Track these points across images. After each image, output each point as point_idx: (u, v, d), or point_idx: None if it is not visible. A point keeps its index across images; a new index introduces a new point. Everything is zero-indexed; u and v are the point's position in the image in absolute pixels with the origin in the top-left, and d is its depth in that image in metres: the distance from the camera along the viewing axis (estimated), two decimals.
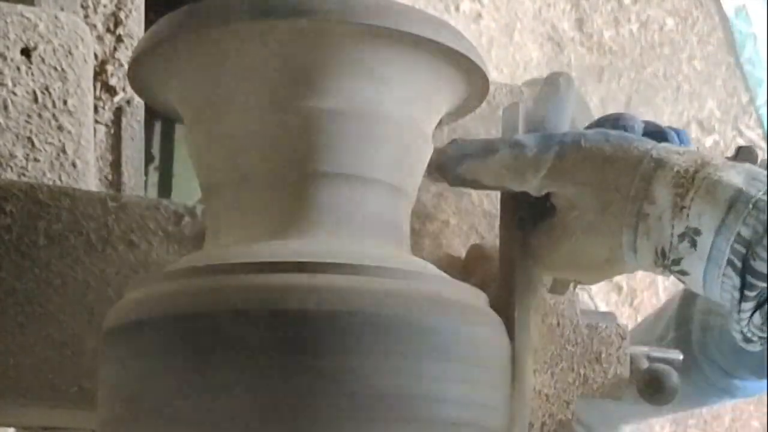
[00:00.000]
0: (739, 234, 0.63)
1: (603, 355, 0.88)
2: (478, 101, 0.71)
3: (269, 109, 0.63)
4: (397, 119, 0.65)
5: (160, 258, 0.77)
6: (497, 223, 0.81)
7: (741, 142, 2.64)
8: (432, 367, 0.57)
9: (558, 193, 0.70)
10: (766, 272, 0.62)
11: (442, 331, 0.58)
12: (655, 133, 0.72)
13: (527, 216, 0.74)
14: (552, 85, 0.75)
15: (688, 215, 0.64)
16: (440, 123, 0.71)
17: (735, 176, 0.64)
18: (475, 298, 0.63)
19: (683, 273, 0.67)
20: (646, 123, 0.73)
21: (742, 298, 0.63)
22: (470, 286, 0.65)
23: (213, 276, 0.58)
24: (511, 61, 2.49)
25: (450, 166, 0.71)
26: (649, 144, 0.68)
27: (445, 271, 0.65)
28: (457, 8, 2.44)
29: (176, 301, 0.58)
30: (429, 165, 0.72)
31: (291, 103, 0.63)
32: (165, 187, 1.34)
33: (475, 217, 0.90)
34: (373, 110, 0.64)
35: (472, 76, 0.67)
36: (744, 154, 0.72)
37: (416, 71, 0.65)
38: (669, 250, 0.66)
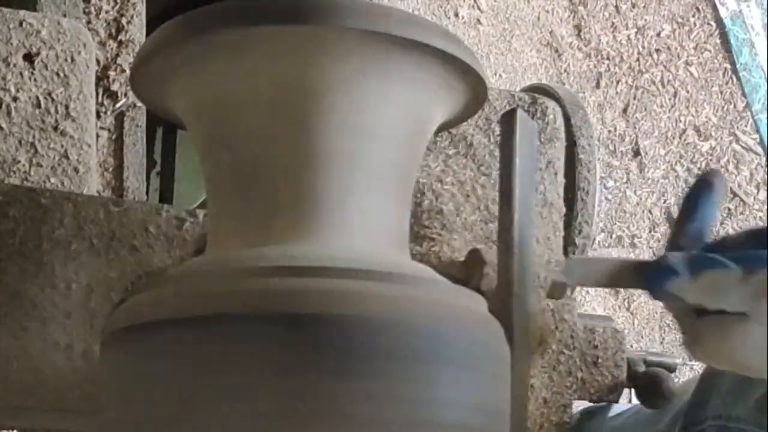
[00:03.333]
0: None
1: (600, 359, 0.89)
2: (476, 107, 0.71)
3: (269, 114, 0.64)
4: (396, 125, 0.65)
5: (162, 262, 0.78)
6: (496, 225, 0.82)
7: (737, 147, 2.65)
8: (431, 370, 0.57)
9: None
10: None
11: (442, 335, 0.58)
12: None
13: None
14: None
15: None
16: (439, 128, 0.72)
17: None
18: (475, 302, 0.64)
19: None
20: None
21: None
22: (469, 290, 0.65)
23: (216, 279, 0.59)
24: (510, 67, 2.49)
25: (658, 282, 0.75)
26: None
27: (444, 276, 0.65)
28: (456, 14, 2.45)
29: (178, 304, 0.58)
30: (617, 275, 0.77)
31: (291, 108, 0.63)
32: (167, 192, 1.34)
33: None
34: (372, 116, 0.64)
35: (471, 82, 0.67)
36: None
37: (415, 77, 0.65)
38: None
